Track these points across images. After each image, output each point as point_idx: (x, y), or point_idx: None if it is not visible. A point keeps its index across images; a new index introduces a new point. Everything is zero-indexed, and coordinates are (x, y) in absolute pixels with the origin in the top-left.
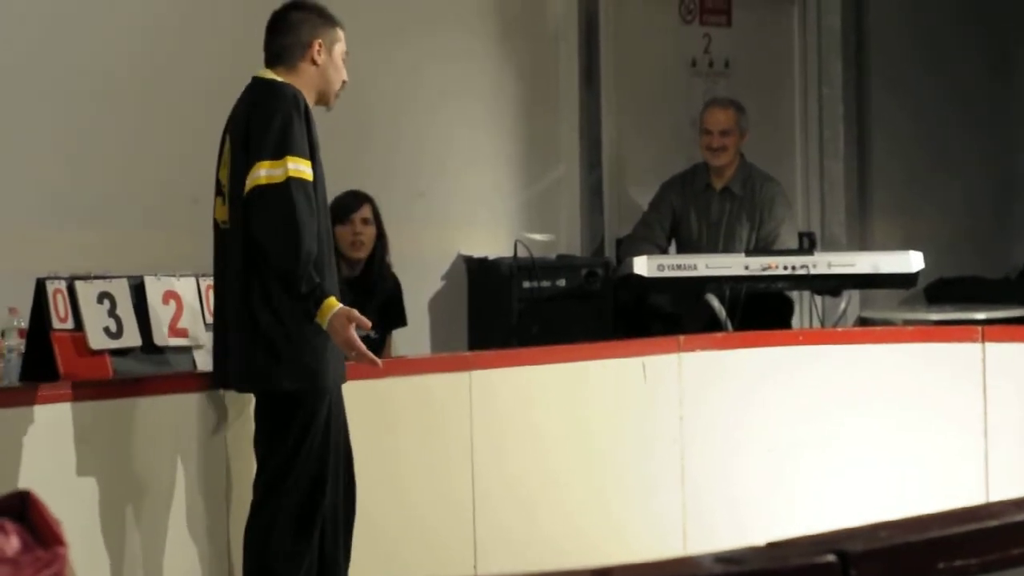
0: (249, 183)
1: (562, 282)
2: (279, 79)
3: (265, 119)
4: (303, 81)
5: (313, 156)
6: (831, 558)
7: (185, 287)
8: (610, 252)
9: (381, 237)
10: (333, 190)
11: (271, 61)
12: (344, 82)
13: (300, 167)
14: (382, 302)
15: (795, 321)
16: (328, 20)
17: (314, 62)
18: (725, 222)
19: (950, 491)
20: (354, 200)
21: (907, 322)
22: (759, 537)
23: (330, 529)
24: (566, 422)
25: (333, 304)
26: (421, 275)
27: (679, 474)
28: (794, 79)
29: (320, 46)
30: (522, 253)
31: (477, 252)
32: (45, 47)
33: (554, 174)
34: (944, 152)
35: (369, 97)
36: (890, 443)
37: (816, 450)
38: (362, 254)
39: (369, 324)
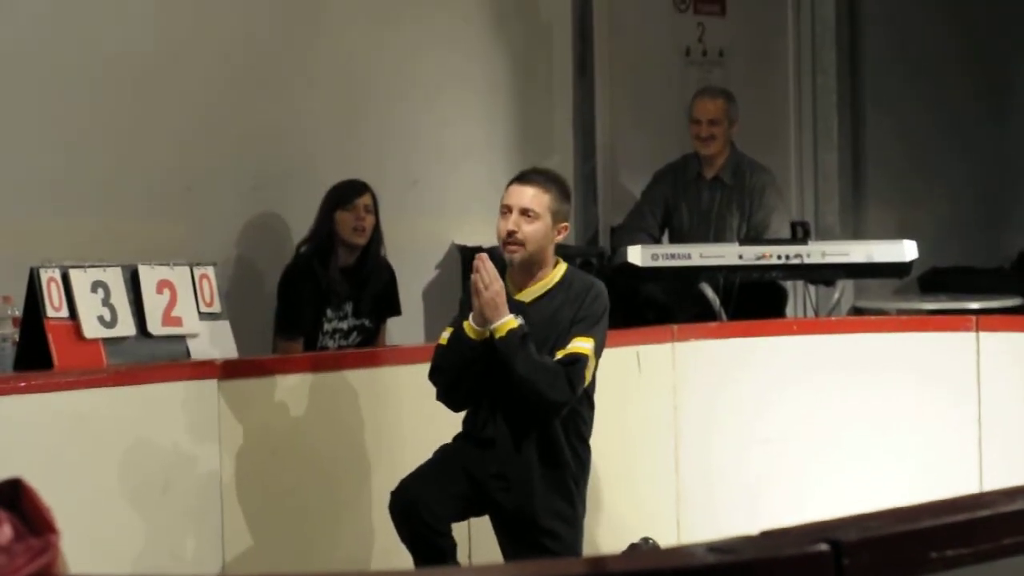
0: None
1: None
2: None
3: None
4: None
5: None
6: (824, 547)
7: (179, 276)
8: (604, 241)
9: (376, 228)
10: (328, 179)
11: None
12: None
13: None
14: (376, 291)
15: (789, 311)
16: None
17: None
18: (715, 211)
19: (945, 480)
20: (357, 187)
21: (901, 311)
22: (753, 527)
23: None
24: None
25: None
26: (415, 264)
27: (673, 463)
28: (788, 68)
29: None
30: None
31: (471, 241)
32: (40, 35)
33: (548, 163)
34: (938, 142)
35: (362, 86)
36: (884, 432)
37: (810, 439)
38: (363, 240)
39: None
